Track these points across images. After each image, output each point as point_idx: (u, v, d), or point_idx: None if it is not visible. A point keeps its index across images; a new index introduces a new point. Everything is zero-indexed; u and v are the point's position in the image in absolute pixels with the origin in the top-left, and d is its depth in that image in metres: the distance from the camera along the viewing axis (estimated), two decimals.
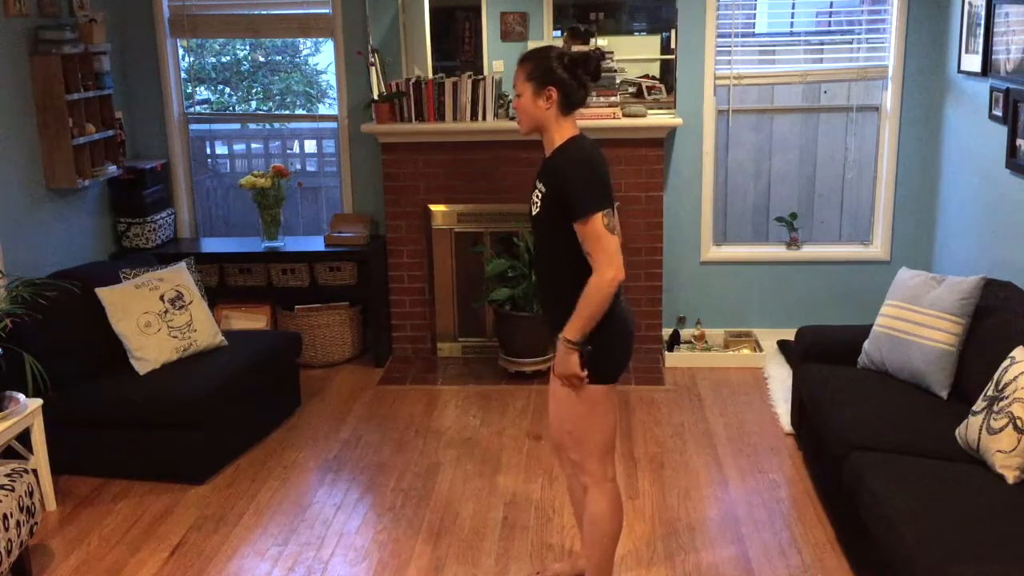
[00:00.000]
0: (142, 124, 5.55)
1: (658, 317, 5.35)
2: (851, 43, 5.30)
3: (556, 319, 2.77)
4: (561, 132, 2.74)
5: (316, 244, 5.40)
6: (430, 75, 5.21)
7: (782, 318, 5.47)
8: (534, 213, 2.78)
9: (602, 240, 2.61)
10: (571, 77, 2.70)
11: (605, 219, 2.61)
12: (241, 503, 3.86)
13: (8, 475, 3.11)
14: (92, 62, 4.87)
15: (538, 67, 2.70)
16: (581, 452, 2.88)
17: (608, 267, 2.60)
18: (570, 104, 2.73)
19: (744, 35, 5.27)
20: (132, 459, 4.04)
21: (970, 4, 4.54)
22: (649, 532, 3.56)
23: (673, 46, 5.20)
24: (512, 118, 5.12)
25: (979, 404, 3.14)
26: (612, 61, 5.03)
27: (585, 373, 2.72)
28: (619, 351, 2.82)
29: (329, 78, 6.28)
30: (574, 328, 2.66)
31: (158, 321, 4.24)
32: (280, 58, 6.67)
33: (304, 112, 6.60)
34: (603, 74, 2.83)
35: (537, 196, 2.75)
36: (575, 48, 2.92)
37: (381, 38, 5.30)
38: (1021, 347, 3.09)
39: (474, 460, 4.19)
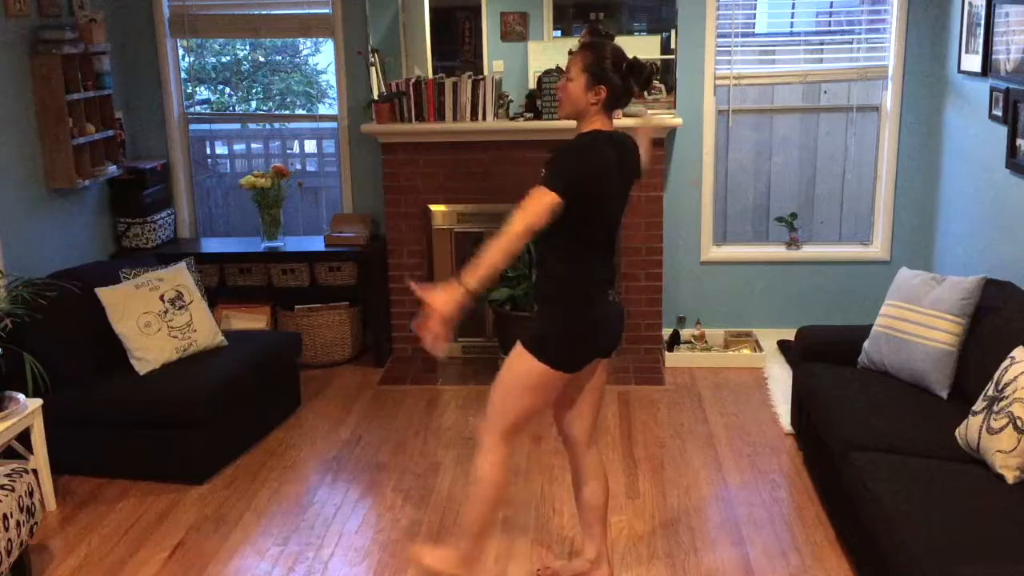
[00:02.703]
0: (142, 124, 5.55)
1: (658, 317, 5.35)
2: (851, 43, 5.30)
3: (536, 289, 2.92)
4: (592, 124, 2.81)
5: (316, 244, 5.40)
6: (430, 75, 5.21)
7: (782, 318, 5.47)
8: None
9: (538, 209, 2.62)
10: (623, 82, 2.79)
11: (553, 204, 2.62)
12: (241, 503, 3.86)
13: (8, 475, 3.11)
14: (92, 62, 4.87)
15: (598, 62, 2.76)
16: (496, 416, 2.91)
17: (523, 226, 2.62)
18: (613, 104, 2.81)
19: (744, 35, 5.27)
20: (132, 459, 4.04)
21: (970, 4, 4.54)
22: (649, 532, 3.56)
23: (673, 46, 5.20)
24: (512, 118, 5.12)
25: (979, 404, 3.14)
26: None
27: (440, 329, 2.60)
28: (581, 341, 2.85)
29: (329, 78, 6.28)
30: (472, 272, 2.62)
31: (158, 321, 4.24)
32: (280, 58, 6.68)
33: (304, 112, 6.60)
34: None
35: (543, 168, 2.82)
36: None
37: (381, 38, 5.30)
38: (1021, 347, 3.09)
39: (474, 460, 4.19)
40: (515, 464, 2.89)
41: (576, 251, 2.80)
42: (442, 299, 2.57)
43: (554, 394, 2.93)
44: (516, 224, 2.63)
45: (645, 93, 5.15)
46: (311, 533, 3.63)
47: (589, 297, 2.84)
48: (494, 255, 2.63)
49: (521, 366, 2.85)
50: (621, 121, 4.95)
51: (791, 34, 5.49)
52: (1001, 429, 2.95)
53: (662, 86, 5.20)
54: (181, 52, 5.60)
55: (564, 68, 2.89)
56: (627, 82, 2.79)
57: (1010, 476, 2.92)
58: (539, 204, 2.64)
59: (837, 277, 5.44)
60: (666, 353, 5.29)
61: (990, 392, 3.10)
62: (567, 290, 2.81)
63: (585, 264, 2.82)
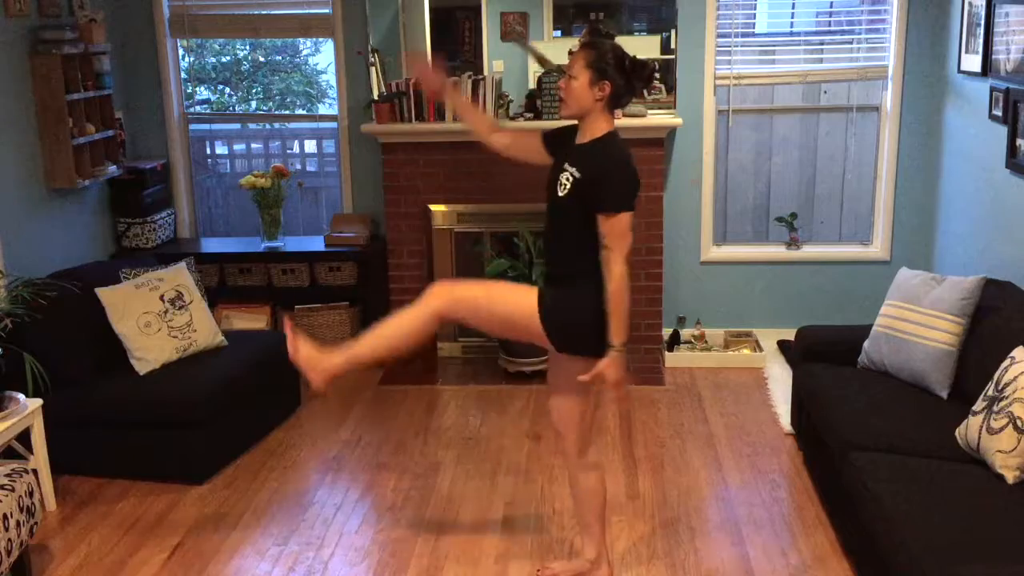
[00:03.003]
0: (142, 124, 5.55)
1: (658, 317, 5.34)
2: (851, 43, 5.30)
3: (559, 291, 2.89)
4: (600, 124, 2.85)
5: (316, 244, 5.40)
6: None
7: (782, 318, 5.47)
8: (560, 195, 2.84)
9: (625, 237, 2.75)
10: (626, 80, 2.82)
11: (631, 222, 2.76)
12: (241, 503, 3.86)
13: (8, 475, 3.11)
14: (92, 62, 4.87)
15: (601, 59, 2.79)
16: (457, 297, 2.88)
17: (623, 263, 2.75)
18: (616, 102, 2.85)
19: (744, 35, 5.27)
20: (132, 459, 4.04)
21: (970, 4, 4.54)
22: (649, 532, 3.56)
23: (673, 46, 5.20)
24: (512, 118, 5.12)
25: (979, 404, 3.14)
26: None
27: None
28: (595, 328, 2.84)
29: (329, 78, 6.28)
30: (617, 331, 2.76)
31: (158, 321, 4.24)
32: (280, 58, 6.68)
33: (304, 112, 6.61)
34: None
35: (568, 179, 2.82)
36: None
37: (381, 38, 5.30)
38: (1021, 347, 3.09)
39: (474, 460, 4.19)
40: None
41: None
42: (613, 372, 2.78)
43: (512, 335, 3.00)
44: (618, 264, 2.74)
45: (645, 92, 5.16)
46: (311, 533, 3.63)
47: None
48: (622, 302, 2.75)
49: (520, 298, 2.87)
50: (621, 121, 4.97)
51: (791, 34, 5.49)
52: (1001, 429, 2.95)
53: (662, 86, 5.21)
54: (181, 52, 5.60)
55: (564, 68, 2.91)
56: (630, 79, 2.82)
57: (1010, 476, 2.92)
58: (624, 232, 2.75)
59: (837, 277, 5.44)
60: (666, 353, 5.29)
61: (990, 392, 3.10)
62: (593, 283, 2.82)
63: None
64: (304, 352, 2.95)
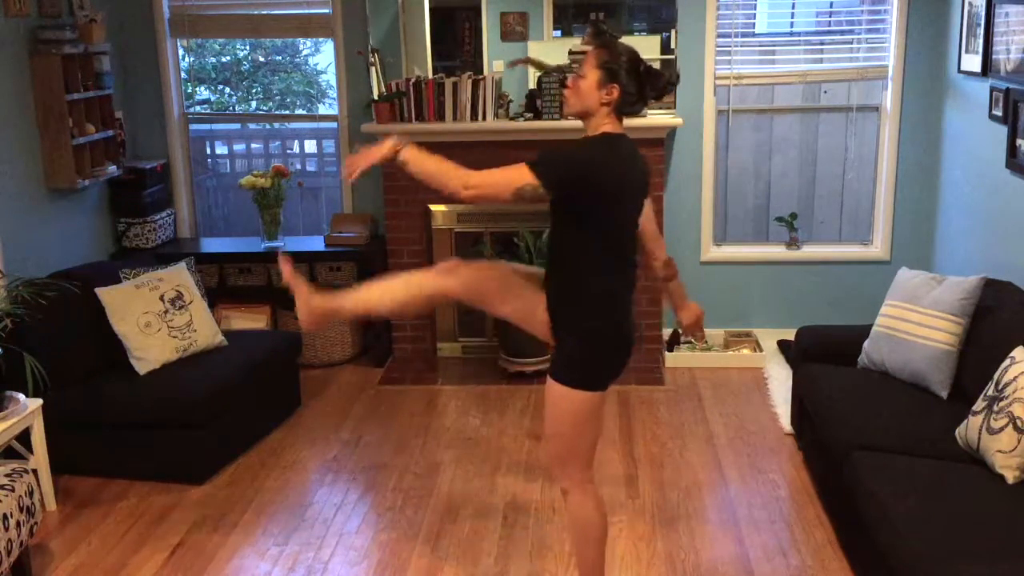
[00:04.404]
0: (142, 124, 5.55)
1: (658, 317, 5.34)
2: (851, 43, 5.30)
3: (553, 293, 2.84)
4: (602, 126, 2.70)
5: (316, 244, 5.40)
6: (430, 75, 5.20)
7: (782, 318, 5.47)
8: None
9: (496, 175, 2.64)
10: (638, 88, 2.67)
11: (525, 184, 2.60)
12: (241, 503, 3.86)
13: (8, 475, 3.11)
14: (92, 62, 4.88)
15: (614, 61, 2.65)
16: (569, 465, 2.82)
17: (466, 182, 2.66)
18: (623, 109, 2.69)
19: (744, 35, 5.27)
20: (132, 459, 4.04)
21: (970, 4, 4.54)
22: (649, 532, 3.56)
23: (673, 46, 5.20)
24: (512, 118, 5.12)
25: (979, 404, 3.14)
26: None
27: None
28: (610, 360, 2.81)
29: (329, 78, 6.28)
30: (415, 151, 2.71)
31: (158, 321, 4.24)
32: (280, 58, 6.68)
33: (304, 112, 6.60)
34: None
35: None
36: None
37: (381, 38, 5.30)
38: (1021, 347, 3.09)
39: (474, 460, 4.19)
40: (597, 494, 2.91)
41: (596, 258, 2.75)
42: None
43: (602, 410, 2.86)
44: (463, 180, 2.65)
45: None
46: (311, 533, 3.63)
47: (611, 306, 2.81)
48: (434, 174, 2.69)
49: (566, 406, 2.75)
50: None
51: (791, 34, 5.49)
52: (1001, 429, 2.95)
53: None
54: (181, 52, 5.60)
55: (563, 68, 2.86)
56: (642, 87, 2.67)
57: (1010, 476, 2.92)
58: (505, 175, 2.62)
59: (837, 277, 5.44)
60: (666, 353, 5.28)
61: (990, 392, 3.10)
62: (590, 299, 2.78)
63: (605, 273, 2.80)
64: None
